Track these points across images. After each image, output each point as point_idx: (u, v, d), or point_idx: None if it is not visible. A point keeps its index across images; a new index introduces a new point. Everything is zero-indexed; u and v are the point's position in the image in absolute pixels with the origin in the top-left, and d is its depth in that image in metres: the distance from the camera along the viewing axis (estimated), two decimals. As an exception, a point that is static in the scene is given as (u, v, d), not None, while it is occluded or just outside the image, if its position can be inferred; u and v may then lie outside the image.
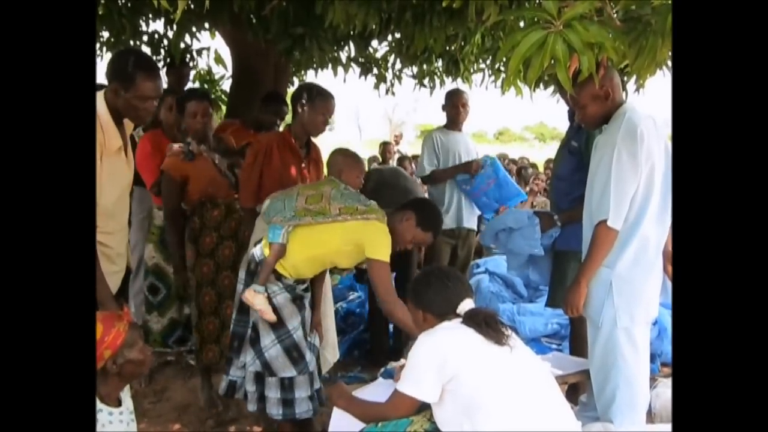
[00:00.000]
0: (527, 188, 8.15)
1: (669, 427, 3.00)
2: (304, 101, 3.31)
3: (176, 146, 3.40)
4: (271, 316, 2.79)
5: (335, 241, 2.77)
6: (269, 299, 2.81)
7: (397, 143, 12.99)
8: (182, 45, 4.87)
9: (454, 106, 4.63)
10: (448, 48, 5.22)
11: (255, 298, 2.79)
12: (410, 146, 16.30)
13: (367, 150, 16.89)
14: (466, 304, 2.28)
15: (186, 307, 3.72)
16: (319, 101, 3.31)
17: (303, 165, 3.44)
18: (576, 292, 2.79)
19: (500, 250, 3.79)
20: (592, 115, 2.83)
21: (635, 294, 2.73)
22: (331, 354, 3.45)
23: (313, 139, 3.56)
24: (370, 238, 2.74)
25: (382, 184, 4.17)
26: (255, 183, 3.32)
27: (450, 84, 5.85)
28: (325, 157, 3.45)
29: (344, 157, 3.12)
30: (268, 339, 2.83)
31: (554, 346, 4.42)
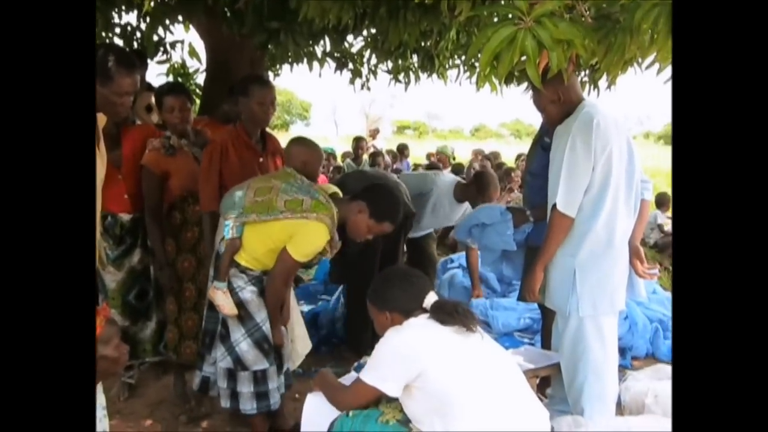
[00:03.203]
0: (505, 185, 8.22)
1: (639, 419, 3.05)
2: (242, 94, 3.25)
3: (156, 141, 3.35)
4: (231, 312, 2.81)
5: (282, 236, 2.76)
6: (236, 294, 2.82)
7: (374, 138, 13.01)
8: (155, 38, 4.83)
9: (483, 199, 4.44)
10: (423, 43, 5.24)
11: (215, 294, 2.82)
12: (387, 142, 16.35)
13: (343, 145, 16.86)
14: (431, 298, 2.31)
15: (125, 319, 3.52)
16: (254, 90, 3.21)
17: (261, 159, 3.37)
18: (532, 277, 2.89)
19: (475, 243, 3.80)
20: (554, 116, 2.93)
21: (598, 283, 2.79)
22: (302, 346, 3.46)
23: (270, 131, 3.50)
24: (299, 236, 2.73)
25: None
26: (215, 185, 3.23)
27: (425, 79, 5.88)
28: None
29: (305, 147, 3.10)
30: (238, 333, 2.83)
31: (526, 341, 4.46)
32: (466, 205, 4.67)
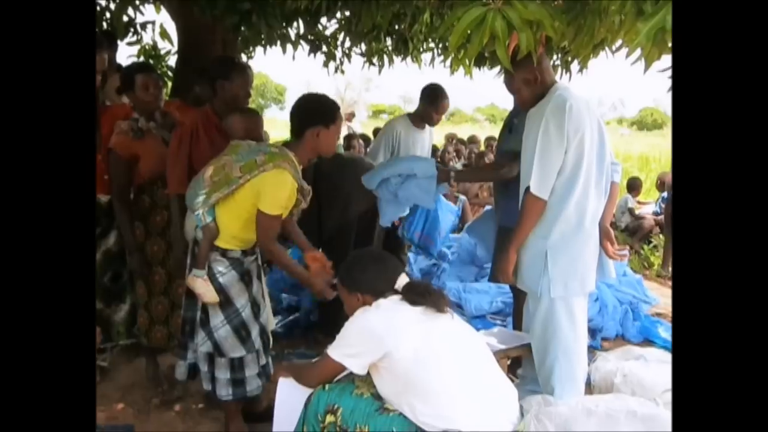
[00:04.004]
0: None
1: (607, 398, 3.10)
2: (222, 77, 3.18)
3: (124, 124, 3.29)
4: (211, 298, 2.79)
5: (250, 199, 2.73)
6: (216, 280, 2.80)
7: (350, 121, 12.97)
8: (125, 18, 4.76)
9: (434, 109, 4.42)
10: (397, 26, 5.22)
11: (194, 282, 2.80)
12: (362, 126, 16.32)
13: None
14: (403, 279, 2.33)
15: (98, 302, 3.50)
16: (236, 75, 3.17)
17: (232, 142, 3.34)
18: (505, 259, 2.90)
19: (382, 194, 3.47)
20: (526, 98, 2.92)
21: (569, 265, 2.82)
22: (270, 324, 3.49)
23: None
24: (264, 190, 2.70)
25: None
26: (183, 168, 3.16)
27: (399, 63, 5.86)
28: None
29: (242, 115, 3.08)
30: (217, 319, 2.82)
31: (499, 323, 4.50)
32: (429, 129, 4.64)
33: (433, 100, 4.39)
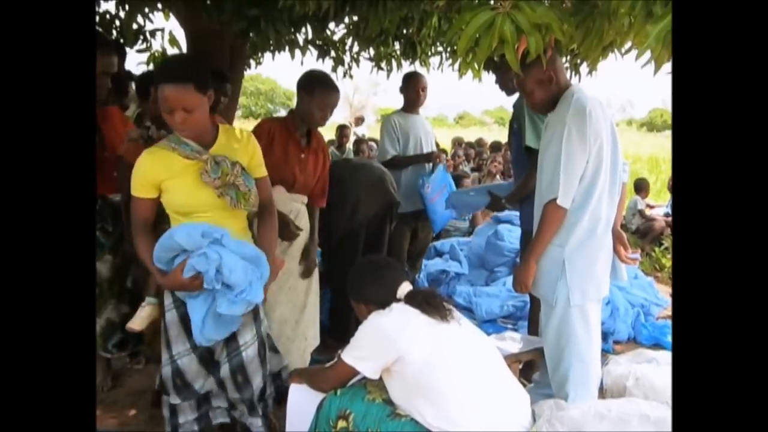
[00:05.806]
0: (485, 171, 8.25)
1: (620, 402, 3.08)
2: (304, 89, 3.19)
3: (134, 132, 3.29)
4: (130, 325, 2.83)
5: None
6: (164, 315, 2.59)
7: (358, 125, 13.00)
8: (135, 26, 4.77)
9: (413, 90, 4.62)
10: (405, 30, 5.22)
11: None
12: (370, 130, 16.34)
13: (326, 134, 16.74)
14: (405, 288, 2.32)
15: (124, 306, 3.50)
16: (318, 91, 3.16)
17: (302, 155, 3.30)
18: (524, 270, 2.84)
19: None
20: (540, 100, 2.87)
21: (586, 272, 2.77)
22: (312, 343, 3.50)
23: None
24: None
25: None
26: None
27: (407, 67, 5.86)
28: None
29: None
30: (164, 356, 2.61)
31: (510, 327, 4.49)
32: (423, 115, 4.89)
33: (411, 83, 4.69)
